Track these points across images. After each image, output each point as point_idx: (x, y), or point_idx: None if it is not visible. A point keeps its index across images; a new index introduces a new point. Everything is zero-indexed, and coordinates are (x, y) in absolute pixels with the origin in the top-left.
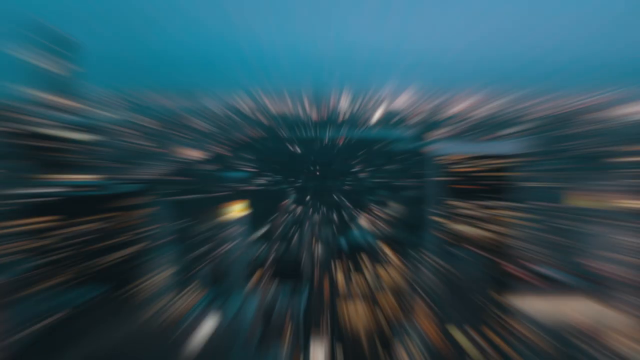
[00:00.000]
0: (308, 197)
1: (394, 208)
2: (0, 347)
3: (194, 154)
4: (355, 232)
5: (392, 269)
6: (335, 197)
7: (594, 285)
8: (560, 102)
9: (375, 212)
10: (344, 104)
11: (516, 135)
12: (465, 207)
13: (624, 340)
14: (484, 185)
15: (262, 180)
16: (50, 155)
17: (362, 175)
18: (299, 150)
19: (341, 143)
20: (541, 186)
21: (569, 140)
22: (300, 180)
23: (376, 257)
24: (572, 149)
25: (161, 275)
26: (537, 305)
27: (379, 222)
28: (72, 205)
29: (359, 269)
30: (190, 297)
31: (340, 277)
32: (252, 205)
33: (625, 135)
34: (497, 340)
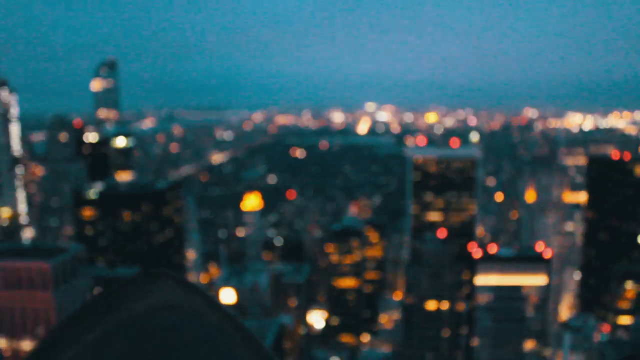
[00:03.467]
0: (311, 192)
1: (379, 199)
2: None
3: (218, 156)
4: (347, 217)
5: (376, 249)
6: (331, 191)
7: (540, 262)
8: (512, 113)
9: (364, 203)
10: (338, 117)
11: (477, 141)
12: (435, 198)
13: (564, 305)
14: (451, 181)
15: (272, 178)
16: (98, 158)
17: (352, 173)
18: (302, 152)
19: (336, 148)
20: (497, 182)
21: (520, 145)
22: (303, 178)
23: (363, 238)
24: (523, 152)
25: (190, 255)
26: (493, 278)
27: (367, 211)
28: (115, 199)
29: (350, 250)
30: (213, 271)
31: (334, 256)
32: (265, 198)
33: (566, 141)
34: (461, 307)
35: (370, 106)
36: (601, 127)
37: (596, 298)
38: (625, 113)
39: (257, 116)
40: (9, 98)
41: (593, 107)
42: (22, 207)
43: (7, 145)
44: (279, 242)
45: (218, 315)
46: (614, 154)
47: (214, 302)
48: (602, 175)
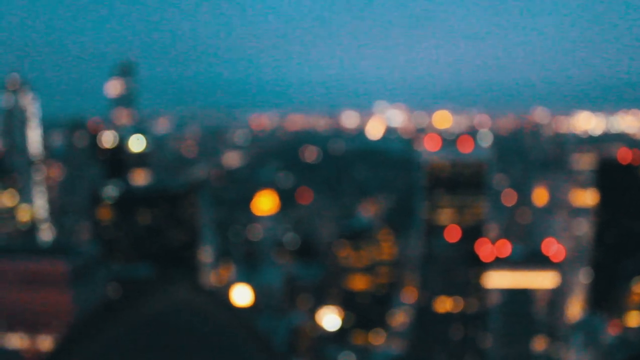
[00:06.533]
0: (325, 193)
1: (391, 200)
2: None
3: (232, 158)
4: (359, 217)
5: (389, 249)
6: (345, 192)
7: (549, 261)
8: (523, 113)
9: (377, 203)
10: (352, 118)
11: (487, 143)
12: (446, 199)
13: (573, 305)
14: (461, 182)
15: (286, 179)
16: (114, 160)
17: (365, 175)
18: (315, 154)
19: (349, 151)
20: (507, 184)
21: (530, 146)
22: (316, 179)
23: (375, 238)
24: (534, 154)
25: (204, 256)
26: (504, 278)
27: (380, 211)
28: (131, 200)
29: (361, 248)
30: (227, 272)
31: (347, 256)
32: (279, 197)
33: (576, 143)
34: (472, 307)
35: (381, 105)
36: (611, 127)
37: (605, 298)
38: (635, 111)
39: (271, 117)
40: (30, 100)
41: (602, 106)
42: (41, 207)
43: (26, 147)
44: (292, 242)
45: (230, 316)
46: (624, 156)
47: (227, 303)
48: (611, 177)
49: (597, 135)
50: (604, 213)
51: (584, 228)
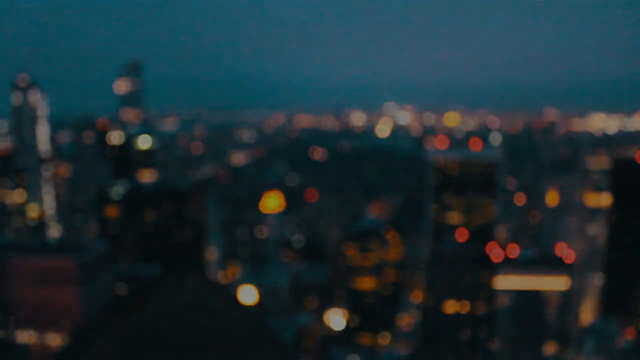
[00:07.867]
0: (332, 193)
1: (399, 201)
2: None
3: (239, 157)
4: (367, 217)
5: (396, 250)
6: (352, 192)
7: (561, 264)
8: (534, 114)
9: (384, 203)
10: (359, 117)
11: (498, 143)
12: (455, 199)
13: (586, 310)
14: (471, 182)
15: (293, 179)
16: (122, 158)
17: (372, 174)
18: (323, 154)
19: (356, 150)
20: (518, 184)
21: (542, 147)
22: (323, 179)
23: (382, 239)
24: (545, 154)
25: (211, 254)
26: (514, 280)
27: (387, 212)
28: (138, 199)
29: (369, 250)
30: (234, 271)
31: (354, 257)
32: (285, 198)
33: (589, 143)
34: (480, 309)
35: (390, 106)
36: (625, 128)
37: (619, 302)
38: None
39: (278, 117)
40: (39, 99)
41: (616, 108)
42: (50, 205)
43: (35, 145)
44: (299, 242)
45: (242, 314)
46: (639, 156)
47: (239, 300)
48: (626, 178)
49: (611, 134)
50: (618, 215)
51: (597, 230)
